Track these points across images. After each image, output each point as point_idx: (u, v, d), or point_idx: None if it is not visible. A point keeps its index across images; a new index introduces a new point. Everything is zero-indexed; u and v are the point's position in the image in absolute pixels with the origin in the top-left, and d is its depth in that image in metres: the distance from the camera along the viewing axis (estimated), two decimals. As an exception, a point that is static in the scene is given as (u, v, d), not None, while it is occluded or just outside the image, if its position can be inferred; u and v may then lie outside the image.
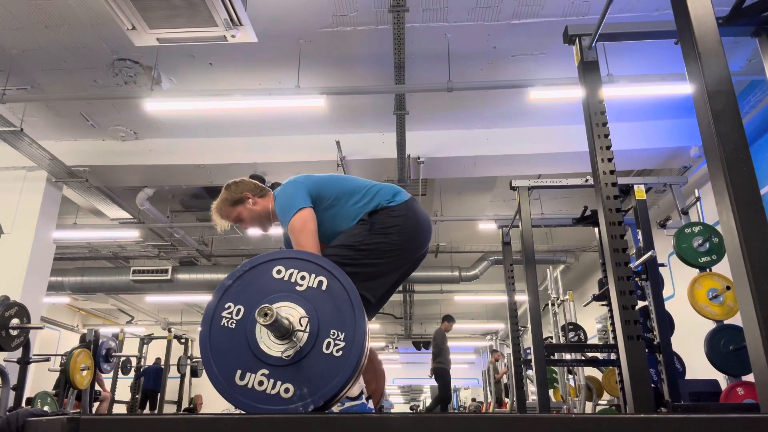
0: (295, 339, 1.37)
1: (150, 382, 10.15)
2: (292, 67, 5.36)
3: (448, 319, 8.90)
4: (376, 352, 2.38)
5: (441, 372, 8.39)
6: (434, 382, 9.16)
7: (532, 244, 4.78)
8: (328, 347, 1.37)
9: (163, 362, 9.50)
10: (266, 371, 1.35)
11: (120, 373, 8.97)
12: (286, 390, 1.34)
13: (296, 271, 1.46)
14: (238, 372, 1.36)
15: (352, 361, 1.36)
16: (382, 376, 2.30)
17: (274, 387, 1.34)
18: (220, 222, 2.23)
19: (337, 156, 6.40)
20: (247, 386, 1.34)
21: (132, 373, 9.42)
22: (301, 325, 1.38)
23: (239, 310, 1.42)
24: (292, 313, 1.40)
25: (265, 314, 1.28)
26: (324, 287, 1.44)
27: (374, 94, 5.77)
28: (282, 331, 1.35)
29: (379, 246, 1.92)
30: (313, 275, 1.46)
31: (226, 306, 1.43)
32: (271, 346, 1.38)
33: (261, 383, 1.34)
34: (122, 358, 8.98)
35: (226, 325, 1.41)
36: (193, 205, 8.82)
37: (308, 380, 1.34)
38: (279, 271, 1.47)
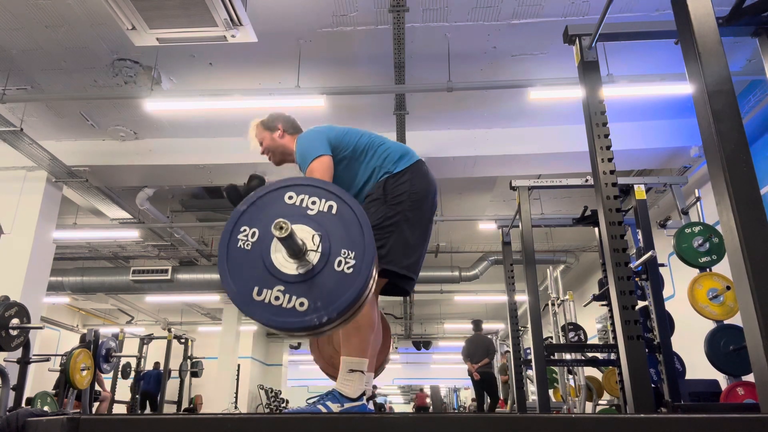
0: (308, 258, 1.45)
1: (150, 385, 10.12)
2: (292, 67, 5.36)
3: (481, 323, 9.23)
4: (387, 321, 2.46)
5: (490, 376, 8.65)
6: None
7: (532, 244, 4.78)
8: (339, 265, 1.44)
9: (163, 363, 9.50)
10: (282, 287, 1.43)
11: (120, 377, 8.98)
12: (301, 304, 1.41)
13: (307, 196, 1.54)
14: (255, 288, 1.43)
15: (362, 276, 1.43)
16: (387, 346, 2.40)
17: (289, 301, 1.41)
18: (252, 140, 2.36)
19: (337, 156, 6.39)
20: (264, 301, 1.42)
21: (132, 375, 9.42)
22: (314, 244, 1.46)
23: (254, 233, 1.50)
24: (305, 234, 1.48)
25: (281, 228, 1.35)
26: (334, 211, 1.52)
27: (374, 94, 5.77)
28: (295, 249, 1.43)
29: (398, 215, 1.98)
30: (323, 200, 1.53)
31: (242, 229, 1.51)
32: (285, 264, 1.45)
33: (277, 298, 1.42)
34: (122, 362, 9.00)
35: (242, 246, 1.49)
36: (193, 205, 8.82)
37: (321, 295, 1.42)
38: (291, 197, 1.54)
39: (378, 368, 2.31)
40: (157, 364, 10.51)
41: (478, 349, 8.72)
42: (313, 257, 1.45)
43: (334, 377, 2.30)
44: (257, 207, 1.54)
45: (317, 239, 1.46)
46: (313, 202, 1.53)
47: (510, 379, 8.90)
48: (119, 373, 9.02)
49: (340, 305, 1.41)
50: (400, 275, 1.96)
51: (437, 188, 2.20)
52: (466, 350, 8.80)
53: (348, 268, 1.44)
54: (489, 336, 9.30)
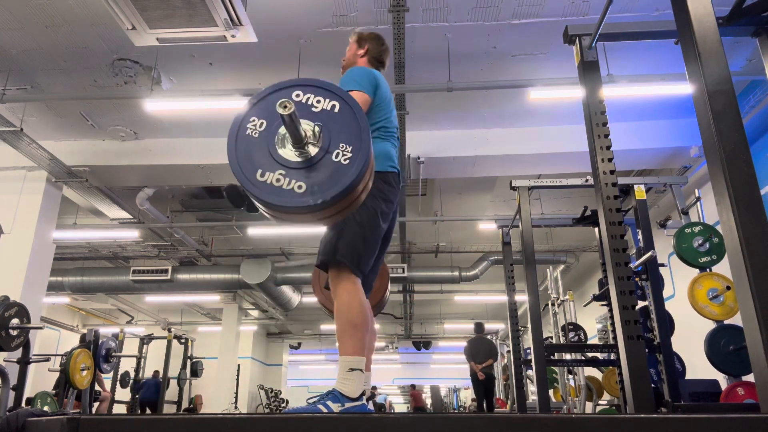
0: (309, 148, 1.58)
1: (149, 393, 10.06)
2: (292, 67, 5.36)
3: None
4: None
5: (492, 377, 8.79)
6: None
7: (532, 244, 4.78)
8: (337, 156, 1.57)
9: (163, 364, 9.49)
10: (283, 171, 1.56)
11: (119, 386, 8.97)
12: (300, 187, 1.54)
13: (313, 95, 1.66)
14: (259, 170, 1.57)
15: (357, 167, 1.55)
16: (386, 278, 2.48)
17: (289, 184, 1.54)
18: (347, 50, 2.43)
19: (337, 156, 6.39)
20: (266, 182, 1.55)
21: (133, 381, 9.42)
22: (315, 136, 1.58)
23: (262, 123, 1.64)
24: (308, 127, 1.60)
25: (285, 106, 1.45)
26: (337, 110, 1.64)
27: (374, 94, 5.76)
28: (297, 136, 1.55)
29: (371, 212, 2.00)
30: (327, 99, 1.66)
31: (251, 119, 1.65)
32: (288, 152, 1.58)
33: (278, 180, 1.55)
34: (121, 371, 9.01)
35: (250, 134, 1.63)
36: (193, 205, 8.82)
37: (319, 181, 1.55)
38: (298, 95, 1.67)
39: (376, 306, 2.42)
40: (156, 373, 10.46)
41: (480, 350, 8.79)
42: (314, 149, 1.58)
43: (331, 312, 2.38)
44: (267, 101, 1.67)
45: (317, 129, 1.59)
46: (318, 101, 1.66)
47: (510, 379, 8.96)
48: (118, 381, 9.02)
49: (335, 190, 1.53)
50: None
51: (397, 203, 2.24)
52: (468, 350, 8.88)
53: (345, 159, 1.56)
54: (490, 337, 9.36)
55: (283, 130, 1.59)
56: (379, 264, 2.23)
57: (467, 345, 9.02)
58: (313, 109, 1.64)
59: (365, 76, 2.13)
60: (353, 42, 2.43)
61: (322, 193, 1.52)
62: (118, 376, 9.12)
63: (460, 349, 19.85)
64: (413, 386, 18.21)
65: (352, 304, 1.87)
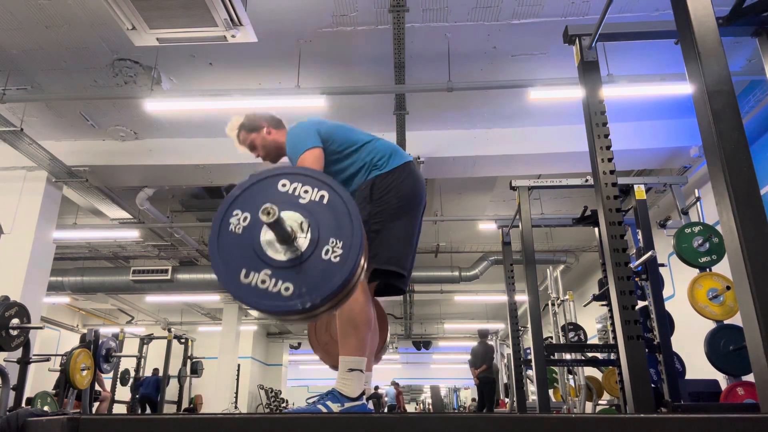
0: (297, 245, 1.48)
1: (149, 390, 10.07)
2: (292, 67, 5.36)
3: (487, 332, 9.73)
4: (383, 308, 2.49)
5: (490, 381, 9.18)
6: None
7: (532, 244, 4.78)
8: (327, 253, 1.47)
9: (163, 364, 9.49)
10: (269, 272, 1.46)
11: (119, 384, 8.97)
12: (287, 288, 1.43)
13: (300, 184, 1.57)
14: (243, 271, 1.46)
15: (348, 265, 1.46)
16: (385, 330, 2.47)
17: (275, 285, 1.44)
18: (237, 146, 2.35)
19: (337, 156, 6.39)
20: (251, 284, 1.45)
21: (132, 380, 9.42)
22: (303, 231, 1.49)
23: (246, 217, 1.53)
24: (295, 221, 1.51)
25: (268, 213, 1.37)
26: (325, 201, 1.54)
27: (374, 94, 5.77)
28: (284, 234, 1.46)
29: (383, 213, 2.01)
30: (315, 189, 1.56)
31: (234, 213, 1.55)
32: (274, 250, 1.49)
33: (264, 282, 1.45)
34: (121, 369, 9.01)
35: (233, 230, 1.52)
36: (193, 205, 8.82)
37: (307, 281, 1.44)
38: (284, 185, 1.57)
39: (377, 354, 2.34)
40: (156, 370, 10.47)
41: (478, 355, 9.30)
42: (302, 244, 1.48)
43: (329, 364, 2.35)
44: (251, 192, 1.57)
45: (306, 226, 1.50)
46: (306, 191, 1.56)
47: (509, 379, 9.06)
48: (118, 380, 9.02)
49: (325, 292, 1.43)
50: (391, 272, 1.98)
51: (425, 186, 2.22)
52: (471, 360, 9.47)
53: (335, 257, 1.47)
54: (490, 343, 9.74)
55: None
56: (415, 253, 2.23)
57: (471, 350, 9.56)
58: (301, 200, 1.54)
59: (303, 132, 2.09)
60: (246, 134, 2.30)
61: (310, 295, 1.42)
62: (119, 374, 9.11)
63: (460, 349, 19.86)
64: (396, 384, 18.25)
65: (355, 305, 1.86)
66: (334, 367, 1.97)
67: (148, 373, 10.45)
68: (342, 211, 1.53)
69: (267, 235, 1.50)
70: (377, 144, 2.18)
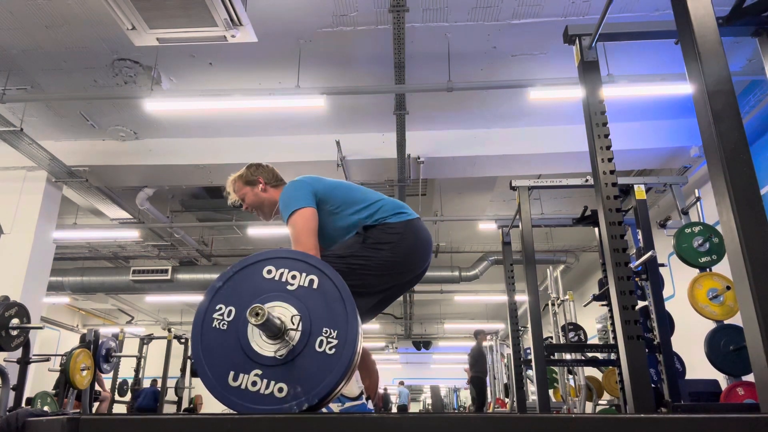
0: (288, 338, 1.37)
1: (146, 401, 10.01)
2: (292, 67, 5.36)
3: (481, 333, 9.87)
4: (368, 351, 2.38)
5: (477, 381, 9.43)
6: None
7: (532, 244, 4.78)
8: (321, 345, 1.37)
9: (162, 365, 9.47)
10: (259, 371, 1.35)
11: (117, 395, 8.95)
12: (280, 389, 1.34)
13: (287, 270, 1.46)
14: (231, 373, 1.36)
15: (345, 358, 1.35)
16: (375, 374, 2.31)
17: (267, 387, 1.34)
18: (231, 195, 2.29)
19: (337, 156, 6.40)
20: (240, 387, 1.34)
21: (129, 393, 9.40)
22: (293, 324, 1.38)
23: (230, 311, 1.42)
24: (284, 312, 1.40)
25: (257, 314, 1.28)
26: (315, 286, 1.44)
27: (374, 94, 5.77)
28: (274, 330, 1.35)
29: (368, 261, 1.89)
30: (303, 274, 1.45)
31: (217, 308, 1.43)
32: (263, 346, 1.38)
33: (254, 383, 1.34)
34: (119, 381, 9.01)
35: (217, 326, 1.41)
36: (193, 205, 8.82)
37: (302, 379, 1.34)
38: (269, 271, 1.46)
39: (373, 395, 2.25)
40: (154, 381, 10.45)
41: (469, 356, 9.72)
42: (293, 336, 1.38)
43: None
44: (234, 282, 1.46)
45: (296, 320, 1.39)
46: (293, 277, 1.45)
47: (509, 379, 9.13)
48: (116, 391, 9.00)
49: (321, 391, 1.33)
50: None
51: (430, 245, 2.08)
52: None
53: (330, 348, 1.36)
54: (486, 343, 10.04)
55: None
56: (386, 306, 2.10)
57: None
58: (289, 287, 1.44)
59: (296, 190, 2.01)
60: (241, 187, 2.24)
61: (306, 394, 1.32)
62: (116, 386, 9.08)
63: (460, 349, 19.85)
64: (401, 383, 18.32)
65: None
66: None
67: (148, 373, 10.44)
68: (334, 296, 1.42)
69: (255, 330, 1.39)
70: (384, 202, 2.07)
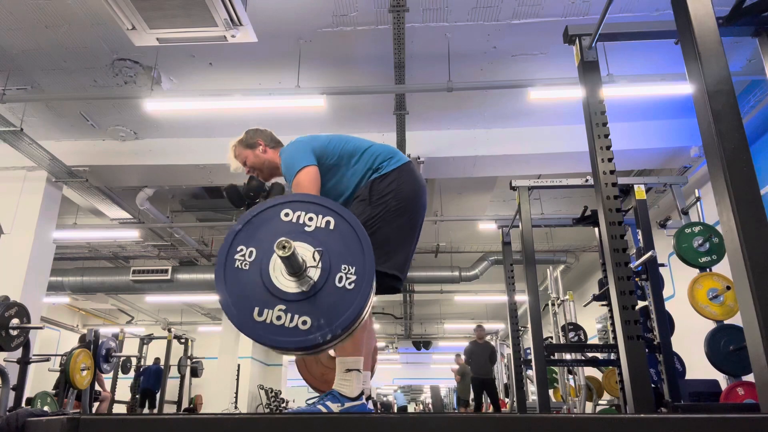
0: (308, 276, 1.43)
1: (149, 381, 10.13)
2: (292, 67, 5.36)
3: (478, 328, 9.69)
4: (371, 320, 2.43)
5: (472, 382, 9.34)
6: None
7: (532, 244, 4.78)
8: (340, 281, 1.43)
9: (163, 363, 9.50)
10: (283, 306, 1.41)
11: (120, 372, 8.96)
12: (304, 322, 1.39)
13: (303, 213, 1.52)
14: (256, 309, 1.41)
15: (365, 291, 1.42)
16: (373, 339, 2.37)
17: (291, 320, 1.40)
18: (232, 161, 2.33)
19: (337, 156, 6.38)
20: (265, 321, 1.40)
21: (132, 373, 9.42)
22: (314, 260, 1.44)
23: (251, 252, 1.48)
24: (304, 251, 1.45)
25: (284, 247, 1.33)
26: (332, 227, 1.50)
27: (374, 94, 5.77)
28: (296, 266, 1.41)
29: (383, 217, 1.98)
30: (320, 216, 1.52)
31: (239, 249, 1.49)
32: (285, 283, 1.43)
33: (279, 318, 1.40)
34: (122, 358, 8.99)
35: (240, 266, 1.47)
36: (193, 205, 8.82)
37: (324, 312, 1.40)
38: (287, 214, 1.52)
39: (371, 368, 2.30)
40: (157, 359, 10.53)
41: (466, 356, 9.71)
42: (314, 274, 1.43)
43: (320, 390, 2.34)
44: (253, 225, 1.51)
45: (317, 256, 1.44)
46: (310, 219, 1.51)
47: (509, 379, 9.08)
48: (119, 368, 9.00)
49: (344, 322, 1.39)
50: (386, 274, 1.95)
51: (425, 188, 2.19)
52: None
53: (349, 284, 1.42)
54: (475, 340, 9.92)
55: (276, 257, 1.43)
56: (413, 252, 2.18)
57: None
58: (306, 228, 1.49)
59: (297, 151, 2.08)
60: (241, 150, 2.30)
61: (330, 326, 1.39)
62: (119, 364, 9.09)
63: (460, 349, 19.84)
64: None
65: None
66: None
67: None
68: (350, 236, 1.48)
69: (276, 269, 1.44)
70: (375, 148, 2.16)
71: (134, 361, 9.38)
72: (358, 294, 1.42)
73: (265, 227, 1.51)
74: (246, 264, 1.46)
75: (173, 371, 9.84)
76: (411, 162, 2.18)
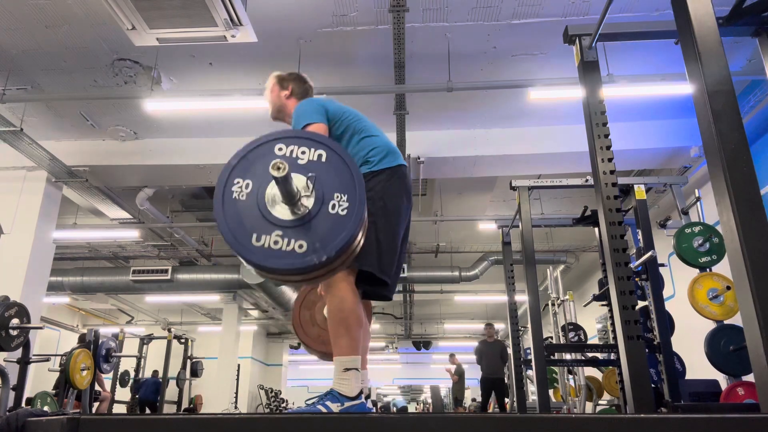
0: (303, 204, 1.52)
1: (147, 393, 10.03)
2: (292, 67, 5.35)
3: (488, 326, 9.38)
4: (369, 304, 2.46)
5: (481, 381, 9.03)
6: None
7: (532, 244, 4.78)
8: (333, 208, 1.52)
9: (163, 364, 9.49)
10: (280, 232, 1.49)
11: (119, 385, 8.97)
12: (300, 246, 1.47)
13: (296, 147, 1.60)
14: (254, 235, 1.49)
15: (357, 216, 1.51)
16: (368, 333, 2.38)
17: (289, 245, 1.48)
18: (267, 91, 2.43)
19: (337, 156, 6.39)
20: (264, 246, 1.48)
21: (130, 382, 9.41)
22: (308, 188, 1.52)
23: (248, 184, 1.56)
24: (298, 182, 1.53)
25: (278, 168, 1.39)
26: (324, 159, 1.58)
27: (374, 94, 5.77)
28: (291, 193, 1.49)
29: (376, 218, 1.95)
30: (312, 149, 1.60)
31: (235, 182, 1.57)
32: (281, 211, 1.52)
33: (276, 242, 1.48)
34: (120, 370, 9.01)
35: (237, 197, 1.55)
36: (193, 205, 8.82)
37: (319, 237, 1.48)
38: (280, 149, 1.60)
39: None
40: (155, 372, 10.45)
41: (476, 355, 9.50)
42: (308, 203, 1.51)
43: (323, 353, 2.36)
44: (248, 160, 1.59)
45: (310, 183, 1.53)
46: (303, 152, 1.59)
47: (510, 379, 9.05)
48: (117, 380, 9.01)
49: (338, 244, 1.47)
50: (372, 278, 1.92)
51: (411, 199, 2.18)
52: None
53: (342, 210, 1.51)
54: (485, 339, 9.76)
55: (272, 188, 1.51)
56: (402, 263, 2.17)
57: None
58: (299, 161, 1.58)
59: (310, 107, 2.11)
60: (274, 84, 2.39)
61: (325, 249, 1.46)
62: (118, 375, 9.10)
63: (460, 349, 19.83)
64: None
65: (345, 304, 1.86)
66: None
67: (148, 374, 10.44)
68: (341, 167, 1.57)
69: (272, 199, 1.53)
70: (377, 140, 2.15)
71: (133, 366, 9.37)
72: (350, 219, 1.50)
73: (260, 161, 1.58)
74: (243, 195, 1.55)
75: (173, 373, 9.82)
76: (405, 165, 2.16)
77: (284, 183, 1.44)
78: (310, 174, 1.53)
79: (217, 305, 13.96)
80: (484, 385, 8.83)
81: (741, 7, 2.46)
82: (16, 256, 6.31)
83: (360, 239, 1.59)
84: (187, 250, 10.16)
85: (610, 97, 3.40)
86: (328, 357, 2.26)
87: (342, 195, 1.53)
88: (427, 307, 15.45)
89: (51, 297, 11.38)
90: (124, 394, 9.65)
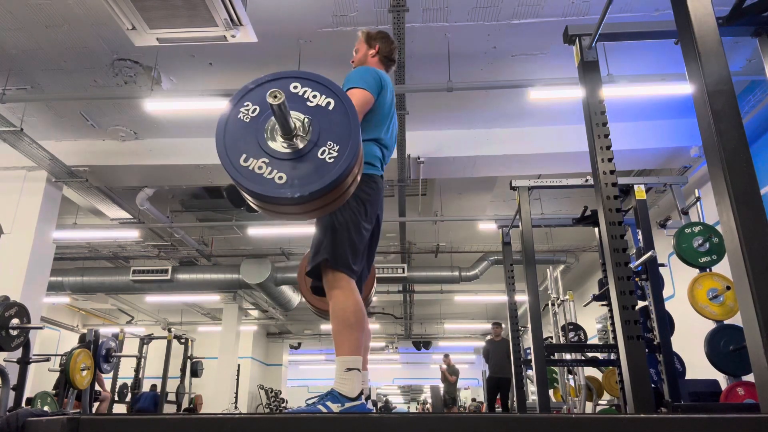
0: (296, 142, 1.58)
1: (145, 404, 9.98)
2: (292, 67, 5.36)
3: (495, 325, 9.24)
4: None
5: (488, 381, 9.02)
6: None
7: (532, 244, 4.78)
8: (322, 153, 1.57)
9: (162, 366, 9.48)
10: (266, 160, 1.57)
11: (116, 399, 8.94)
12: (280, 177, 1.54)
13: (310, 89, 1.67)
14: (243, 155, 1.58)
15: (339, 168, 1.55)
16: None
17: (270, 173, 1.55)
18: (354, 49, 2.52)
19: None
20: (248, 167, 1.56)
21: (129, 395, 9.39)
22: (305, 130, 1.59)
23: (255, 109, 1.65)
24: (299, 120, 1.60)
25: (275, 96, 1.45)
26: (331, 107, 1.64)
27: (374, 94, 5.76)
28: (286, 127, 1.56)
29: (347, 217, 1.97)
30: (323, 96, 1.66)
31: (245, 104, 1.67)
32: (275, 142, 1.59)
33: (260, 168, 1.56)
34: (119, 384, 8.99)
35: (242, 118, 1.64)
36: (193, 205, 8.82)
37: (300, 174, 1.55)
38: (295, 87, 1.67)
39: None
40: (153, 386, 10.44)
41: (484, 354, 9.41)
42: (301, 142, 1.57)
43: (321, 311, 2.42)
44: (264, 88, 1.66)
45: (307, 123, 1.59)
46: (314, 96, 1.66)
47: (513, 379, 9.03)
48: (116, 393, 8.99)
49: (314, 187, 1.53)
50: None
51: (382, 208, 2.19)
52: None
53: (330, 158, 1.56)
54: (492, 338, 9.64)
55: (274, 120, 1.58)
56: (371, 264, 2.22)
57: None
58: (309, 103, 1.64)
59: (373, 76, 2.11)
60: (363, 41, 2.45)
61: (301, 187, 1.52)
62: (116, 389, 9.07)
63: (460, 349, 19.86)
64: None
65: (347, 305, 1.87)
66: None
67: (148, 375, 10.43)
68: (343, 120, 1.62)
69: (271, 128, 1.60)
70: (374, 145, 2.12)
71: (131, 372, 9.34)
72: (333, 168, 1.55)
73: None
74: (248, 117, 1.64)
75: (171, 385, 9.77)
76: (381, 177, 2.16)
77: (279, 113, 1.49)
78: (309, 116, 1.60)
79: (217, 305, 13.97)
80: (490, 384, 8.82)
81: (741, 7, 2.46)
82: (16, 256, 6.31)
83: (344, 190, 1.63)
84: (187, 250, 10.16)
85: (610, 97, 3.40)
86: (324, 315, 2.32)
87: (335, 144, 1.57)
88: (427, 307, 15.45)
89: (51, 297, 11.38)
90: (121, 409, 9.60)
